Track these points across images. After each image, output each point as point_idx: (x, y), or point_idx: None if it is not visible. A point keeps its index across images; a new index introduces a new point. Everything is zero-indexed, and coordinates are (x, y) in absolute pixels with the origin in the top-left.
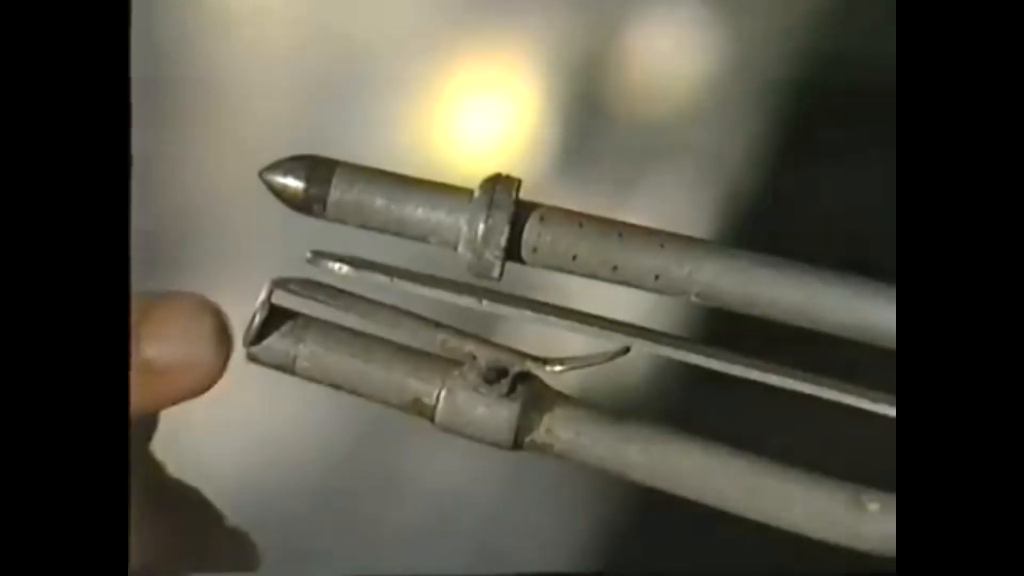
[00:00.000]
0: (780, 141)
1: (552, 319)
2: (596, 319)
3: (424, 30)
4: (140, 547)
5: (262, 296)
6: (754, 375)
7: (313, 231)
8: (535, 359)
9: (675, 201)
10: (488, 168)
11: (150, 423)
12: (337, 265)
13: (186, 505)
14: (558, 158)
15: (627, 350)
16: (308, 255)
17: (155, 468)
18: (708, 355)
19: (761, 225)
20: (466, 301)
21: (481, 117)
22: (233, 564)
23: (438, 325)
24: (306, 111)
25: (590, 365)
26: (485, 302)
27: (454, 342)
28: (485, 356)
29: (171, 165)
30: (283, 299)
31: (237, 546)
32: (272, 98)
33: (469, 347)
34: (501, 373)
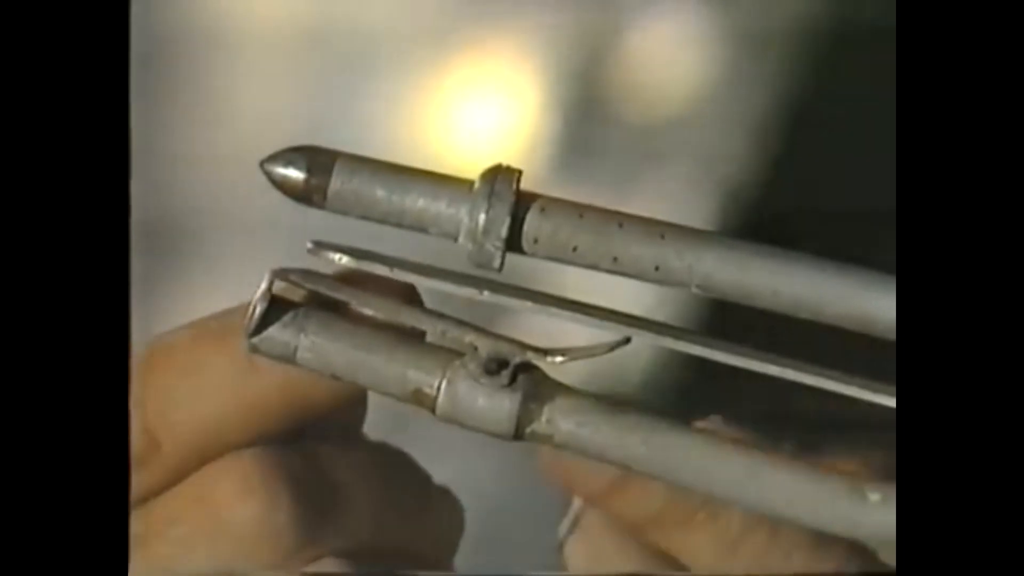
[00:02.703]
0: (780, 140)
1: (553, 309)
2: (598, 310)
3: (425, 25)
4: (359, 518)
5: (263, 287)
6: (755, 366)
7: (315, 223)
8: (536, 350)
9: (674, 200)
10: (487, 164)
11: (361, 408)
12: (337, 255)
13: (397, 469)
14: (558, 156)
15: (628, 340)
16: (309, 245)
17: (366, 443)
18: (709, 345)
19: (760, 225)
20: (467, 291)
21: (481, 114)
22: (444, 524)
23: (439, 316)
24: (307, 105)
25: (591, 356)
26: (486, 292)
27: (454, 332)
28: (486, 347)
29: (171, 158)
30: (284, 290)
31: (446, 505)
32: (274, 91)
33: (470, 337)
34: (502, 364)
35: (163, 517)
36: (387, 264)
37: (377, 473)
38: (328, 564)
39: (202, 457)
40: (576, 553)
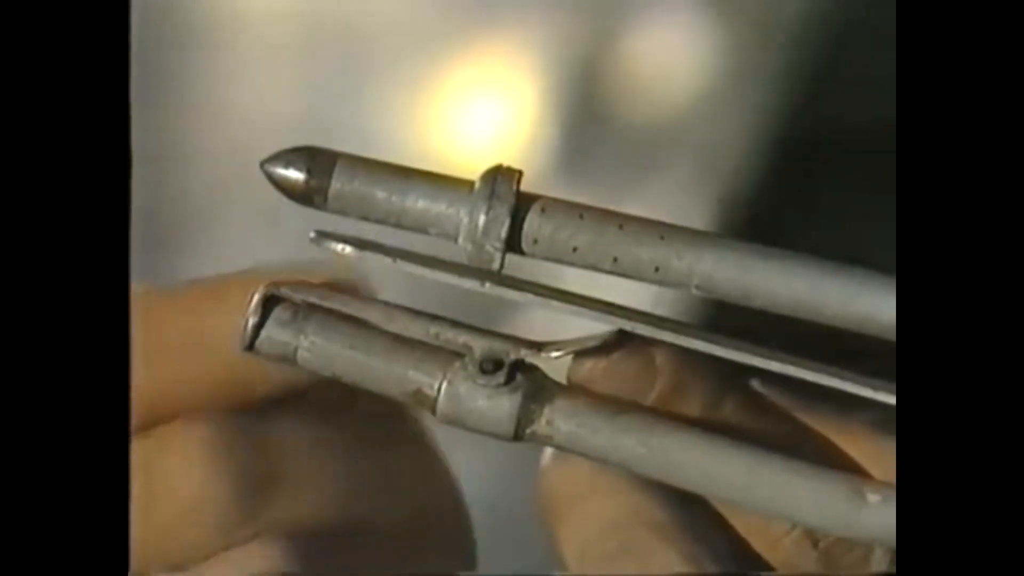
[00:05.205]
0: (780, 140)
1: (555, 302)
2: (601, 303)
3: (425, 26)
4: (303, 498)
5: (255, 300)
6: (756, 361)
7: (314, 222)
8: (531, 344)
9: (674, 200)
10: (487, 165)
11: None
12: (340, 246)
13: (375, 447)
14: (557, 158)
15: (621, 333)
16: (312, 234)
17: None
18: (709, 340)
19: (760, 225)
20: (469, 283)
21: (481, 115)
22: (423, 503)
23: (432, 318)
24: (308, 108)
25: (585, 348)
26: (488, 284)
27: (448, 334)
28: (481, 345)
29: (173, 157)
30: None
31: (436, 486)
32: (275, 92)
33: (464, 338)
34: (498, 363)
35: None
36: (390, 255)
37: (341, 452)
38: (264, 542)
39: (156, 418)
40: (552, 477)
